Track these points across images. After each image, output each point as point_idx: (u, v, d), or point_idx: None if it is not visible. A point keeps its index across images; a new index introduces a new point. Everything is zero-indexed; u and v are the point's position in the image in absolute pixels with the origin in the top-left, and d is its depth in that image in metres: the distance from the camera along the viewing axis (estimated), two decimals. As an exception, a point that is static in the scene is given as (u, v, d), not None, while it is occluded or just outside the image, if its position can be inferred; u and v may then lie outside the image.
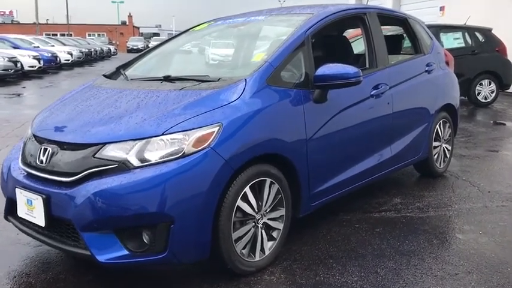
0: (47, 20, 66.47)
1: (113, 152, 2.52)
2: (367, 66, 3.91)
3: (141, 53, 4.03)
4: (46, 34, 44.78)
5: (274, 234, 2.98)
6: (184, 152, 2.50)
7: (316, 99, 3.18)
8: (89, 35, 61.72)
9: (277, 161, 2.95)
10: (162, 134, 2.52)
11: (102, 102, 2.99)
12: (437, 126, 4.72)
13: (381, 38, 4.02)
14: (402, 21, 4.63)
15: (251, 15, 3.94)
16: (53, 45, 25.94)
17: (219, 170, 2.55)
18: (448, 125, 4.91)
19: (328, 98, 3.25)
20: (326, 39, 4.19)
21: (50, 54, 21.91)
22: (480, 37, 10.13)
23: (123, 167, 2.48)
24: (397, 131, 4.06)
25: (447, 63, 5.04)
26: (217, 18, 4.12)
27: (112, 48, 42.24)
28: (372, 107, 3.71)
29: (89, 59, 29.25)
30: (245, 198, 2.74)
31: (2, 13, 66.13)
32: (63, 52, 24.71)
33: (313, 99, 3.17)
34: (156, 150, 2.51)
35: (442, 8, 15.09)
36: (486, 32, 10.19)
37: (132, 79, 3.47)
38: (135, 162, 2.48)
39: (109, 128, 2.62)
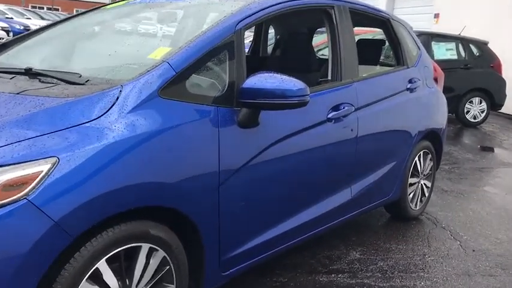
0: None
1: None
2: (329, 77, 2.92)
3: (30, 31, 2.98)
4: (32, 6, 42.99)
5: (153, 325, 1.97)
6: (-21, 206, 1.47)
7: (242, 122, 2.18)
8: (77, 11, 59.71)
9: (166, 215, 1.94)
10: None
11: None
12: (416, 158, 3.75)
13: (351, 42, 3.02)
14: (383, 22, 3.63)
15: (178, -5, 2.90)
16: (29, 18, 24.55)
17: (40, 238, 1.53)
18: (429, 156, 3.94)
19: (261, 120, 2.25)
20: (277, 37, 3.18)
21: (22, 27, 20.58)
22: (475, 50, 9.20)
23: None
24: (361, 167, 3.07)
25: (435, 80, 4.07)
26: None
27: (96, 26, 40.52)
28: (327, 136, 2.71)
29: (67, 35, 27.76)
30: (97, 279, 1.72)
31: (-12, -20, 63.78)
32: (38, 26, 23.34)
33: (237, 122, 2.17)
34: None
35: (436, 15, 14.14)
36: (482, 46, 9.26)
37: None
38: None
39: None
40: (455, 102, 8.73)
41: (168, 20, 2.63)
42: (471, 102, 9.08)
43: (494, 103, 9.18)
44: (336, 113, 2.74)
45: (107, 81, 1.96)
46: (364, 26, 3.88)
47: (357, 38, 3.22)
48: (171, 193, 1.89)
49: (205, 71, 2.13)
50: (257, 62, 4.28)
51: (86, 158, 1.63)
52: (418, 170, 3.81)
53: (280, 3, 2.55)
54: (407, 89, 3.52)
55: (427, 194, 4.02)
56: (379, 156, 3.26)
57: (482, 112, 9.14)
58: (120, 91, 1.83)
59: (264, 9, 2.45)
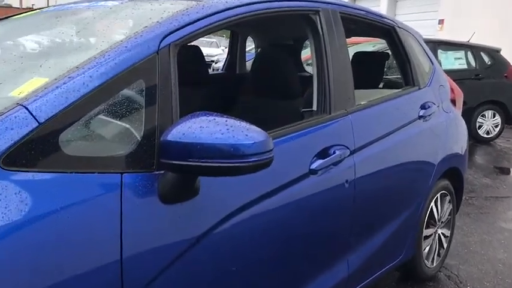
0: (33, 4, 64.36)
1: None
2: (314, 108, 2.10)
3: None
4: (29, 19, 42.84)
5: None
6: None
7: (168, 193, 1.36)
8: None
9: None
10: None
11: None
12: (433, 203, 2.92)
13: (344, 59, 2.20)
14: (387, 30, 2.81)
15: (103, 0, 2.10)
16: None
17: None
18: (448, 198, 3.10)
19: (202, 186, 1.44)
20: (257, 50, 2.36)
21: None
22: (486, 59, 8.37)
23: None
24: (361, 231, 2.24)
25: (453, 101, 3.25)
26: (62, 4, 2.27)
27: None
28: (310, 195, 1.88)
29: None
30: None
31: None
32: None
33: (159, 195, 1.35)
34: None
35: (441, 21, 13.35)
36: (493, 53, 8.43)
37: None
38: None
39: None
40: (467, 116, 7.86)
41: (71, 33, 1.83)
42: (483, 116, 8.26)
43: (509, 117, 8.35)
44: (322, 161, 1.91)
45: None
46: (361, 36, 3.06)
47: (350, 51, 2.42)
48: None
49: (101, 116, 1.31)
50: (232, 81, 3.49)
51: None
52: (434, 218, 2.98)
53: (234, 8, 1.73)
54: (420, 117, 2.70)
55: (445, 246, 3.19)
56: (385, 211, 2.43)
57: (496, 127, 8.31)
58: None
59: (208, 16, 1.64)
